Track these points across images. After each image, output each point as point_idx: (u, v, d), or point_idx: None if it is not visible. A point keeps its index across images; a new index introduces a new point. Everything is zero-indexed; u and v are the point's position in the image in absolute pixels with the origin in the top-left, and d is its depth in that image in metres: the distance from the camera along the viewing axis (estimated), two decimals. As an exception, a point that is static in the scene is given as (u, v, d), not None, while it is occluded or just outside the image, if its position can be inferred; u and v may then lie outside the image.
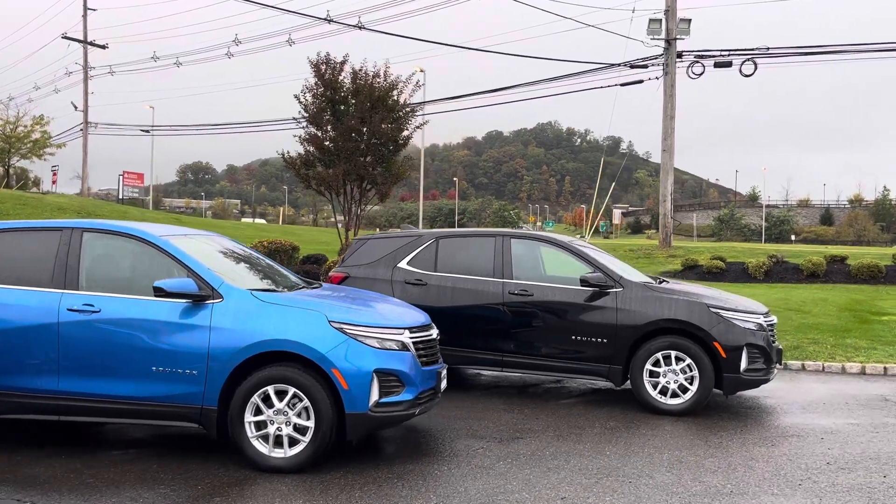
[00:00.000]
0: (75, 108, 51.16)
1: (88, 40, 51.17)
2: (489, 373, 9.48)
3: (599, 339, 7.87)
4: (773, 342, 7.97)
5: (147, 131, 49.33)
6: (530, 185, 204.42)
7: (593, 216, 31.31)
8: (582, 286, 7.97)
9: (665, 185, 27.13)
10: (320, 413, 5.44)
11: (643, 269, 24.20)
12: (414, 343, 5.93)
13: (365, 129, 16.81)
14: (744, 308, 7.81)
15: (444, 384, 6.33)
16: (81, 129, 51.21)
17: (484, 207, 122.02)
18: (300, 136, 17.76)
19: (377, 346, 5.66)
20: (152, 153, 68.75)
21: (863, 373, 10.06)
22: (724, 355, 7.49)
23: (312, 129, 17.29)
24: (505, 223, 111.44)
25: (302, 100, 17.68)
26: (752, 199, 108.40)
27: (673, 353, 7.63)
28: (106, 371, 5.61)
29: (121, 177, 52.94)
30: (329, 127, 16.98)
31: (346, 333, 5.55)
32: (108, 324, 5.65)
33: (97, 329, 5.65)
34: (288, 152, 17.97)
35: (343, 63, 17.73)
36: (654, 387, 7.68)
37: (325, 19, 32.84)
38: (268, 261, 7.17)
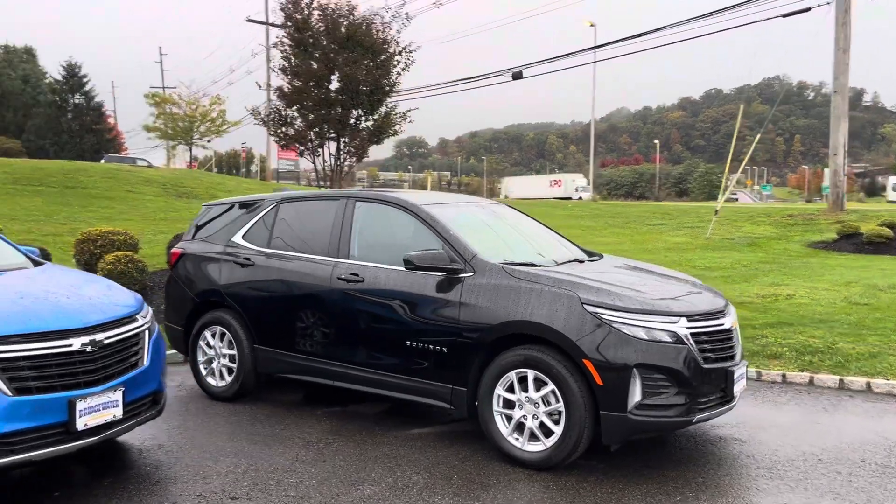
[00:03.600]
0: (259, 87, 53.62)
1: (269, 21, 53.36)
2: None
3: (438, 348, 5.33)
4: (723, 358, 4.98)
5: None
6: (754, 146, 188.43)
7: (725, 179, 26.80)
8: (406, 268, 5.48)
9: (836, 133, 22.14)
10: None
11: (794, 238, 19.74)
12: (8, 360, 4.00)
13: (335, 75, 14.64)
14: (650, 307, 4.86)
15: (91, 419, 4.30)
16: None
17: (690, 171, 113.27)
18: (274, 89, 15.94)
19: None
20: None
21: (962, 400, 6.47)
22: (599, 381, 4.69)
23: (291, 80, 15.32)
24: (712, 189, 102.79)
25: (281, 48, 15.79)
26: None
27: (530, 374, 4.95)
28: None
29: (276, 151, 54.72)
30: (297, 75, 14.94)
31: None
32: None
33: None
34: (257, 108, 16.30)
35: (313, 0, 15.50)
36: (509, 421, 5.06)
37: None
38: None
